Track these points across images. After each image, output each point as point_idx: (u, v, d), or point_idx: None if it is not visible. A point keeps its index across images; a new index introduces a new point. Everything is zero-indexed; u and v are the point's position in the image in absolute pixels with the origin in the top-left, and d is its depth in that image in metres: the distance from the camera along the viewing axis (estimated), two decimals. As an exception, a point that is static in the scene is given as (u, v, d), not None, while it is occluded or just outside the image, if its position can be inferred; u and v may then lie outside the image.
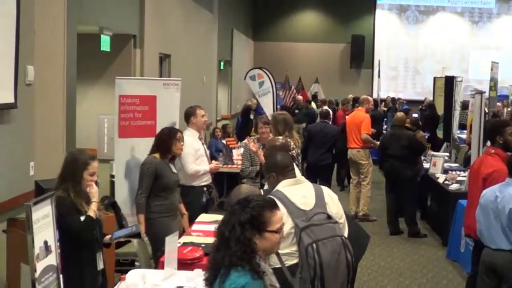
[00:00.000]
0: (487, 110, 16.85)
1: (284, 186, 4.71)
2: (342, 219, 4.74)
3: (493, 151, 6.98)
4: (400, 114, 12.34)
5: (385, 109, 22.41)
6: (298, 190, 4.68)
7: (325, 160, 12.43)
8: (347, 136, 12.66)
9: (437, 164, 11.85)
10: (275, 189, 4.74)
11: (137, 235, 5.40)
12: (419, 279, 8.92)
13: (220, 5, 18.71)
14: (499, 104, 21.42)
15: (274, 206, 3.55)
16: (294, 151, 7.97)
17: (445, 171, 11.64)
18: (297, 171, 5.06)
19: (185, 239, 6.54)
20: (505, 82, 26.09)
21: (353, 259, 4.61)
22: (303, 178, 4.92)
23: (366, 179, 12.42)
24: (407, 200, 11.29)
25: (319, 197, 4.67)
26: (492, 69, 18.48)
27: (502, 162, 6.58)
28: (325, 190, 4.81)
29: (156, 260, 6.39)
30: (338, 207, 4.77)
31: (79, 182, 5.19)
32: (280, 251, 4.46)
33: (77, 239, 5.13)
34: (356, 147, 12.43)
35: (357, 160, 12.45)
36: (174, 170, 7.27)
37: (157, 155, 7.09)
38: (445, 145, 14.40)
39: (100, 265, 5.44)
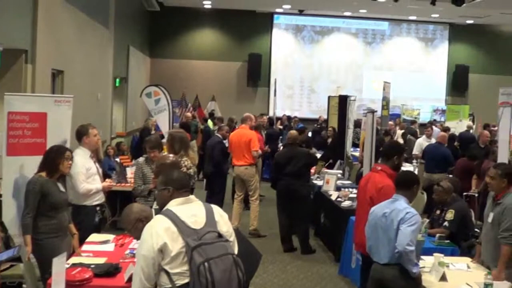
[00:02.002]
0: (379, 128, 17.34)
1: (175, 205, 4.66)
2: (232, 237, 4.74)
3: (379, 168, 7.19)
4: (293, 132, 12.45)
5: (281, 127, 22.65)
6: (188, 209, 4.64)
7: (210, 170, 12.93)
8: (233, 153, 12.76)
9: (330, 182, 12.05)
10: (165, 208, 4.68)
11: (17, 258, 5.23)
12: (312, 296, 9.03)
13: (116, 21, 18.50)
14: (391, 122, 22.06)
15: None
16: (191, 170, 7.98)
17: (338, 189, 11.84)
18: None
19: (74, 260, 6.42)
20: (397, 101, 26.93)
21: (244, 277, 4.62)
22: (193, 197, 4.88)
23: (255, 195, 12.60)
24: (301, 217, 11.39)
25: (210, 216, 4.65)
26: (384, 89, 19.05)
27: (388, 178, 6.80)
28: (215, 208, 4.80)
29: (44, 282, 6.21)
30: (228, 225, 4.78)
31: None
32: (170, 271, 4.43)
33: None
34: (243, 164, 12.52)
35: (245, 178, 12.58)
36: (62, 189, 7.11)
37: (43, 174, 6.92)
38: (338, 162, 14.66)
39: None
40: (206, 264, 4.36)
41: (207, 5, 27.02)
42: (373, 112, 12.95)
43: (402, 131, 20.47)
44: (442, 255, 6.78)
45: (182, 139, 8.29)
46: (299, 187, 11.29)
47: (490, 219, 6.93)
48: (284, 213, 11.52)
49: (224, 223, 4.72)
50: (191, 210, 4.64)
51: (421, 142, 16.17)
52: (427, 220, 8.74)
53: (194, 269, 4.34)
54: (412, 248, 5.96)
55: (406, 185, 6.37)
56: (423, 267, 6.72)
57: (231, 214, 12.11)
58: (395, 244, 5.99)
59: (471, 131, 21.15)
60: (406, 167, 16.27)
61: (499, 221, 6.75)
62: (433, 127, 19.12)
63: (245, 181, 12.59)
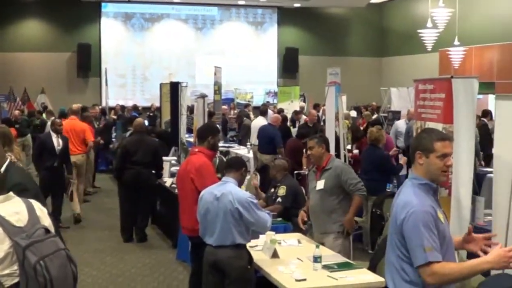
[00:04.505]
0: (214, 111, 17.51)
1: (-4, 204, 4.48)
2: (53, 230, 4.64)
3: (197, 150, 7.36)
4: (139, 119, 12.40)
5: (115, 117, 22.34)
6: (10, 207, 4.47)
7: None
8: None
9: (164, 169, 12.01)
10: (-15, 208, 4.47)
11: None
12: (151, 283, 8.99)
13: None
14: (225, 107, 22.32)
15: None
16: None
17: (172, 175, 11.82)
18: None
19: None
20: (230, 86, 27.22)
21: (77, 270, 4.56)
22: (12, 193, 4.72)
23: (82, 182, 13.22)
24: (146, 207, 11.36)
25: (31, 212, 4.52)
26: (215, 74, 19.20)
27: (205, 157, 7.13)
28: (35, 204, 4.67)
29: None
30: (49, 220, 4.67)
31: None
32: (-3, 274, 4.26)
33: None
34: (79, 152, 13.06)
35: (81, 164, 13.10)
36: None
37: None
38: (173, 149, 14.64)
39: None
40: (42, 262, 4.24)
41: (30, -6, 26.18)
42: (203, 97, 13.08)
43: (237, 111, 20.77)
44: (273, 233, 6.92)
45: (5, 134, 7.98)
46: (150, 176, 11.23)
47: (321, 186, 7.32)
48: (129, 203, 11.34)
49: (45, 217, 4.62)
50: (13, 207, 4.47)
51: (258, 123, 16.40)
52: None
53: (29, 269, 4.19)
54: (270, 221, 6.36)
55: (235, 168, 6.53)
56: (256, 245, 6.87)
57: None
58: (258, 231, 6.35)
59: (303, 111, 21.76)
60: (241, 149, 16.61)
61: (337, 184, 7.28)
62: (268, 109, 19.55)
63: (80, 167, 13.05)
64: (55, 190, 11.83)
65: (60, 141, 11.94)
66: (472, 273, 4.11)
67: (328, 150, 7.54)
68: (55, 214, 11.64)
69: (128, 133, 14.26)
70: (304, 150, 12.87)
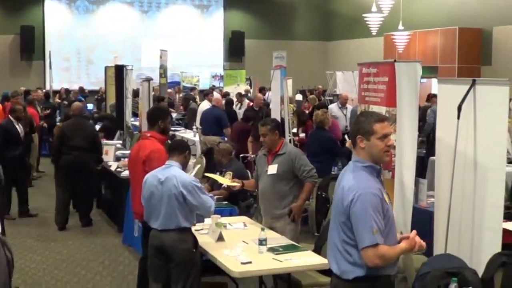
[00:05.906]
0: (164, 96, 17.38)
1: None
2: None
3: (149, 134, 7.27)
4: (77, 103, 12.28)
5: (59, 100, 22.04)
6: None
7: None
8: None
9: (109, 153, 11.92)
10: None
11: None
12: (96, 268, 8.91)
13: None
14: (170, 90, 22.21)
15: None
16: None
17: (117, 159, 11.73)
18: None
19: None
20: (176, 69, 27.10)
21: (12, 256, 4.51)
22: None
23: None
24: (87, 191, 11.20)
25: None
26: (161, 57, 19.11)
27: (158, 143, 7.05)
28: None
29: None
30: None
31: None
32: None
33: None
34: None
35: None
36: None
37: None
38: (118, 133, 14.53)
39: None
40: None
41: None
42: (148, 80, 12.98)
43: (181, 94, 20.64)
44: (219, 216, 6.93)
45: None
46: (89, 161, 11.04)
47: (273, 171, 7.26)
48: (64, 189, 11.08)
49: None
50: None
51: (205, 106, 16.35)
52: (198, 166, 8.90)
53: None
54: (214, 205, 6.40)
55: (178, 151, 6.48)
56: (201, 229, 6.87)
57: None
58: (202, 215, 6.42)
59: (249, 94, 21.80)
60: (187, 133, 16.55)
61: (290, 169, 7.21)
62: (214, 92, 19.52)
63: None
64: (22, 178, 11.70)
65: (22, 127, 11.73)
66: (399, 255, 4.31)
67: (280, 135, 7.49)
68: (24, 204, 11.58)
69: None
70: (251, 135, 12.89)
